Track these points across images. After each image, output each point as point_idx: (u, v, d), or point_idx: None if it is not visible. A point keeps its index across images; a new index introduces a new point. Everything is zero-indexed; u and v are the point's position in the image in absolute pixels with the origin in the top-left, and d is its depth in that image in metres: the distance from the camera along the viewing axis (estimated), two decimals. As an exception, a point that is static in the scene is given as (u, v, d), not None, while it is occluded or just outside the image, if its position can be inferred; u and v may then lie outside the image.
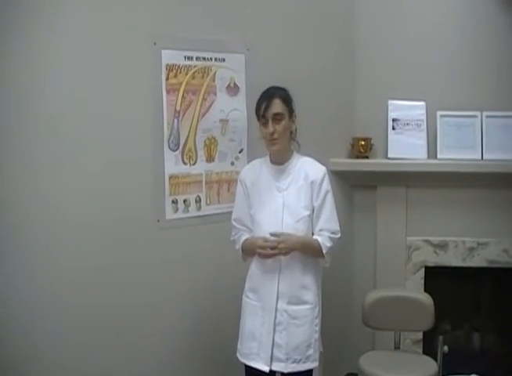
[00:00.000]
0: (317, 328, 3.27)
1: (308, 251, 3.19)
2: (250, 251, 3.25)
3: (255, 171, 3.33)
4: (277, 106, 3.16)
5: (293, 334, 3.20)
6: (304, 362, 3.22)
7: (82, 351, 3.22)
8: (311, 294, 3.24)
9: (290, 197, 3.21)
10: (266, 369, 3.19)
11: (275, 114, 3.15)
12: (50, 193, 3.11)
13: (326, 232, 3.22)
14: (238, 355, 3.32)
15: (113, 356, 3.33)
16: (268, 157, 3.33)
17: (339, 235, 3.25)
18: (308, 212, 3.21)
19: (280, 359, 3.19)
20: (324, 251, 3.19)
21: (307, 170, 3.25)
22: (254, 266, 3.28)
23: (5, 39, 2.96)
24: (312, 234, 3.23)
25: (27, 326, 3.08)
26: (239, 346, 3.32)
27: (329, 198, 3.25)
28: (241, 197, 3.34)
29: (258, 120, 3.22)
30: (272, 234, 3.12)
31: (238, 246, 3.33)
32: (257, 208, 3.26)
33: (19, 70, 3.00)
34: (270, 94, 3.20)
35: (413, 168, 4.15)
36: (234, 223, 3.36)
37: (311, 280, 3.25)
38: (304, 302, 3.22)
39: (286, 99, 3.22)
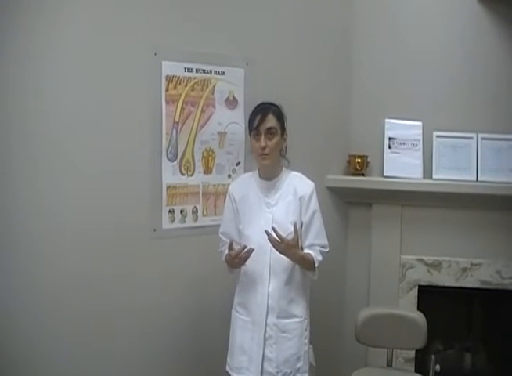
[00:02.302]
0: (306, 341, 3.28)
1: (303, 264, 3.21)
2: (231, 264, 3.24)
3: (244, 185, 3.34)
4: (271, 121, 3.19)
5: (283, 348, 3.20)
6: (295, 374, 3.22)
7: (78, 353, 3.25)
8: (300, 308, 3.26)
9: (279, 213, 3.22)
10: None
11: (269, 129, 3.17)
12: (48, 201, 3.14)
13: (317, 246, 3.25)
14: (228, 369, 3.32)
15: (106, 359, 3.35)
16: (256, 172, 3.34)
17: (328, 249, 3.29)
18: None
19: (270, 372, 3.19)
20: (316, 265, 3.22)
21: (296, 185, 3.27)
22: (243, 281, 3.30)
23: (4, 49, 3.00)
24: (301, 248, 3.24)
25: (26, 327, 3.11)
26: (229, 360, 3.33)
27: (318, 213, 3.28)
28: (229, 211, 3.35)
29: (250, 133, 3.24)
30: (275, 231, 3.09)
31: (223, 258, 3.33)
32: (246, 223, 3.26)
33: (18, 78, 3.03)
34: (265, 108, 3.22)
35: (408, 187, 4.16)
36: (221, 236, 3.37)
37: (300, 294, 3.27)
38: (294, 316, 3.23)
39: (279, 116, 3.25)
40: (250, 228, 3.24)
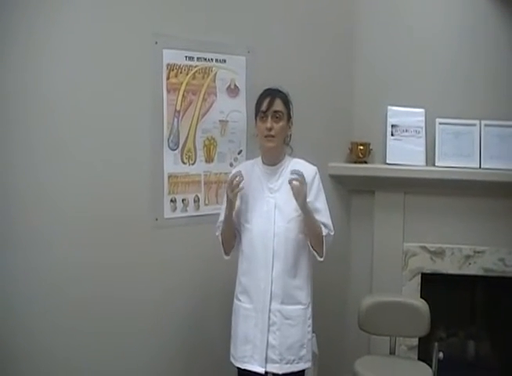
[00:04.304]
0: (309, 329, 3.27)
1: (314, 227, 3.15)
2: (228, 221, 3.22)
3: (247, 172, 3.30)
4: (279, 105, 3.20)
5: (286, 335, 3.19)
6: (298, 362, 3.22)
7: (79, 343, 3.23)
8: (303, 295, 3.24)
9: (282, 198, 3.21)
10: (262, 370, 3.18)
11: (276, 112, 3.18)
12: (50, 190, 3.13)
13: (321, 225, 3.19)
14: (232, 360, 3.31)
15: (109, 350, 3.34)
16: (259, 158, 3.34)
17: (333, 232, 3.23)
18: (298, 213, 3.18)
19: (274, 360, 3.19)
20: (324, 234, 3.15)
21: None
22: (245, 268, 3.27)
23: (5, 38, 2.96)
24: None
25: (26, 318, 3.09)
26: (232, 351, 3.32)
27: (322, 195, 3.26)
28: None
29: (256, 115, 3.24)
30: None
31: (219, 233, 3.30)
32: (249, 209, 3.25)
33: (19, 68, 3.00)
34: (273, 93, 3.23)
35: (411, 175, 4.15)
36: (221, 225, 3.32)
37: (304, 280, 3.25)
38: (298, 302, 3.22)
39: (286, 103, 3.26)
40: (253, 213, 3.24)
